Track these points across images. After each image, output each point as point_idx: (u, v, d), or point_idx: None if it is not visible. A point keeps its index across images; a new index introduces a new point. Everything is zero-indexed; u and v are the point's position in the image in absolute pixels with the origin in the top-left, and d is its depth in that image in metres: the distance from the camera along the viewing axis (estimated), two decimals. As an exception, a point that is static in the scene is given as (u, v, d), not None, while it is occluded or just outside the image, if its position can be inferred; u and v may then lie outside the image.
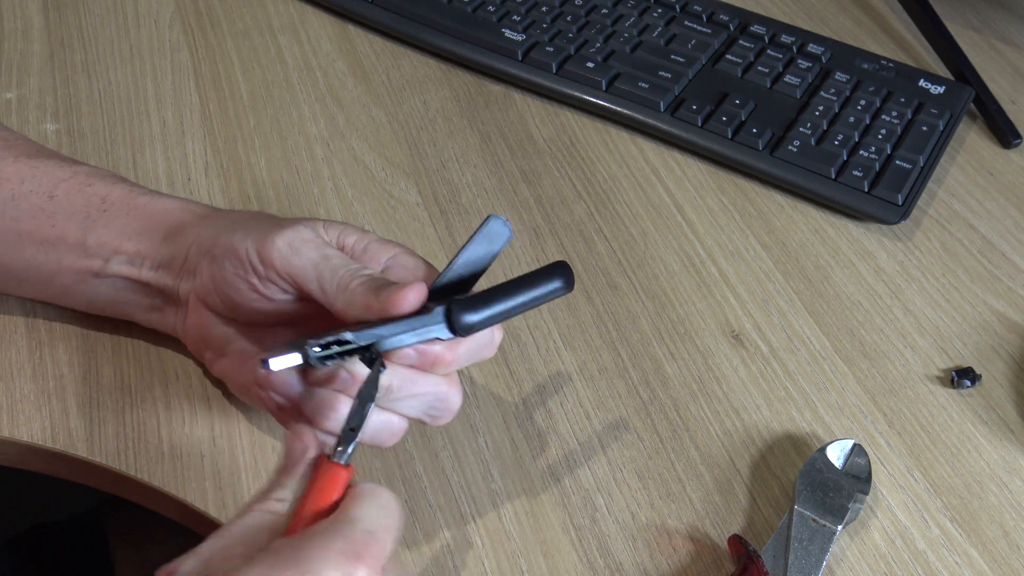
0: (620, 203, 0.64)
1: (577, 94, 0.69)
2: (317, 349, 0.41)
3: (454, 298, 0.42)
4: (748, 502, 0.50)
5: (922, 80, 0.71)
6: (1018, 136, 0.69)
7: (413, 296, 0.41)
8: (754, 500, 0.50)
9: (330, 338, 0.41)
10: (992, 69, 0.75)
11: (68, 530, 0.75)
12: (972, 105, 0.72)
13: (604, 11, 0.74)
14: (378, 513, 0.37)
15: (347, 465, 0.38)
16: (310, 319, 0.46)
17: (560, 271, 0.43)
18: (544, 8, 0.74)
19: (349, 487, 0.38)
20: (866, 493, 0.49)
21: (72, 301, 0.52)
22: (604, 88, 0.69)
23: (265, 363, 0.41)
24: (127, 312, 0.52)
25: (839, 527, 0.47)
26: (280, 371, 0.42)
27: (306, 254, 0.44)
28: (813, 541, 0.47)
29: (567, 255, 0.60)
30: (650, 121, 0.67)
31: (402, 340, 0.42)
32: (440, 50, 0.73)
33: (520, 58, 0.71)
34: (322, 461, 0.39)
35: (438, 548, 0.47)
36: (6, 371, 0.52)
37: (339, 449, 0.39)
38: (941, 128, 0.67)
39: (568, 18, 0.73)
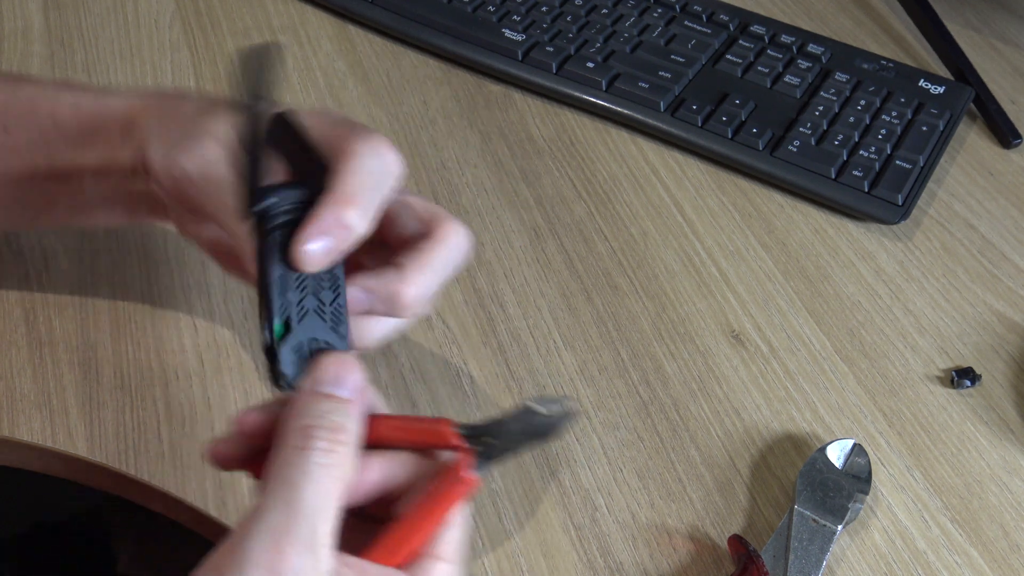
0: (620, 203, 0.64)
1: (577, 94, 0.69)
2: None
3: None
4: (748, 502, 0.50)
5: (922, 80, 0.71)
6: (1018, 136, 0.69)
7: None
8: (754, 500, 0.50)
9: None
10: (992, 69, 0.75)
11: (70, 529, 0.75)
12: (972, 105, 0.72)
13: (604, 11, 0.74)
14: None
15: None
16: None
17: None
18: (544, 8, 0.74)
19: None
20: (866, 493, 0.49)
21: (88, 221, 0.52)
22: (604, 88, 0.69)
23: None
24: (139, 213, 0.49)
25: (839, 527, 0.47)
26: None
27: (215, 181, 0.41)
28: (813, 541, 0.47)
29: (567, 255, 0.60)
30: (650, 121, 0.67)
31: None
32: (440, 50, 0.73)
33: (520, 58, 0.71)
34: (458, 467, 0.35)
35: (438, 548, 0.47)
36: (6, 371, 0.52)
37: (481, 449, 0.35)
38: (941, 128, 0.67)
39: (568, 18, 0.73)
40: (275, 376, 0.37)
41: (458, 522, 0.35)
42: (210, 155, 0.41)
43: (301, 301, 0.38)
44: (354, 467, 0.34)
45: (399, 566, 0.34)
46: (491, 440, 0.35)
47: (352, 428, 0.34)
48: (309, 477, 0.32)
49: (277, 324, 0.37)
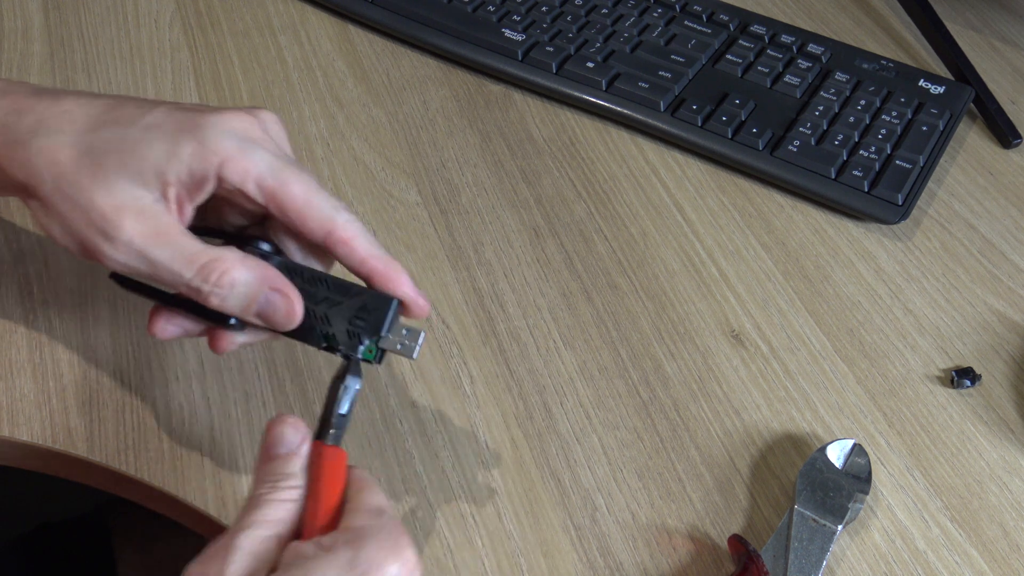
0: (620, 203, 0.64)
1: (577, 94, 0.69)
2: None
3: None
4: (748, 502, 0.50)
5: (922, 80, 0.71)
6: (1018, 136, 0.69)
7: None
8: (754, 500, 0.50)
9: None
10: (992, 69, 0.75)
11: (73, 530, 0.75)
12: (972, 105, 0.72)
13: (604, 11, 0.74)
14: (380, 493, 0.38)
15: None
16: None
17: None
18: (544, 8, 0.74)
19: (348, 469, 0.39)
20: (866, 493, 0.49)
21: None
22: (604, 88, 0.69)
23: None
24: None
25: (839, 527, 0.47)
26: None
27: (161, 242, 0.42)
28: (813, 541, 0.47)
29: (567, 255, 0.60)
30: (650, 121, 0.67)
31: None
32: (440, 50, 0.73)
33: (520, 58, 0.71)
34: (322, 449, 0.39)
35: (438, 548, 0.47)
36: (6, 371, 0.52)
37: (332, 432, 0.39)
38: (941, 128, 0.67)
39: (568, 18, 0.73)
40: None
41: (359, 487, 0.39)
42: (150, 207, 0.42)
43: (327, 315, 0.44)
44: (297, 498, 0.39)
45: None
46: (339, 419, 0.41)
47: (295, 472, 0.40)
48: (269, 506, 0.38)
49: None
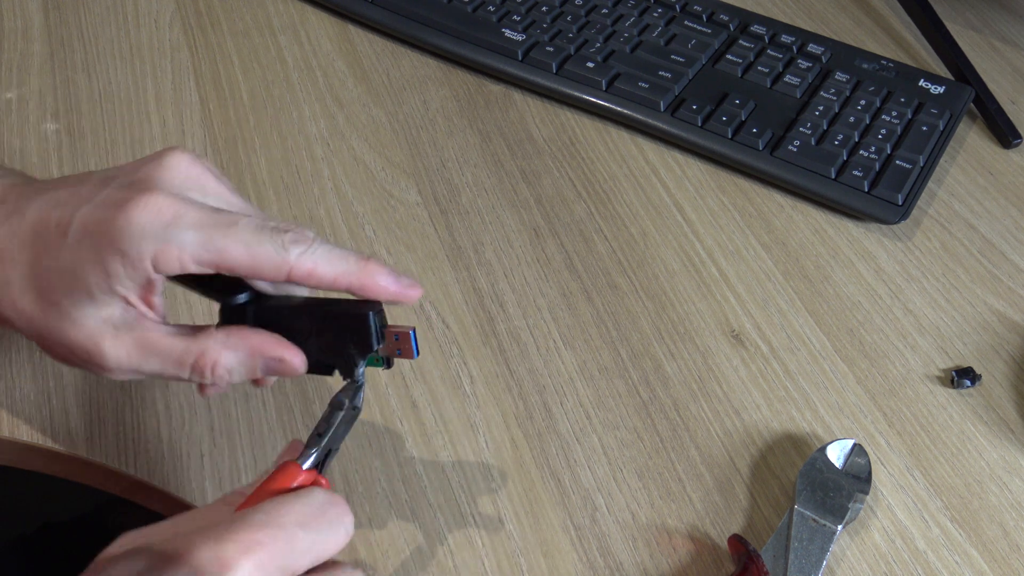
0: (620, 203, 0.64)
1: (577, 94, 0.69)
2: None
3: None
4: (748, 502, 0.50)
5: (922, 80, 0.71)
6: (1018, 136, 0.69)
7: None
8: (754, 500, 0.50)
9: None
10: (992, 69, 0.75)
11: (75, 530, 0.75)
12: (972, 105, 0.72)
13: (604, 11, 0.74)
14: (302, 510, 0.36)
15: (308, 468, 0.39)
16: None
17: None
18: (544, 8, 0.74)
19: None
20: (866, 493, 0.49)
21: None
22: (604, 88, 0.69)
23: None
24: None
25: (839, 527, 0.47)
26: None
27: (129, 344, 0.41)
28: (813, 541, 0.47)
29: (567, 255, 0.60)
30: (650, 121, 0.67)
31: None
32: (440, 50, 0.73)
33: (520, 58, 0.71)
34: (285, 461, 0.39)
35: (438, 548, 0.47)
36: (6, 371, 0.52)
37: (304, 451, 0.39)
38: (941, 128, 0.67)
39: (568, 18, 0.73)
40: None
41: (291, 498, 0.38)
42: (113, 312, 0.41)
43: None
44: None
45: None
46: (329, 447, 0.40)
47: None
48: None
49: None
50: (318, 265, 0.41)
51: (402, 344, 0.42)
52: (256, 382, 0.45)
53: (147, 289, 0.41)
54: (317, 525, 0.36)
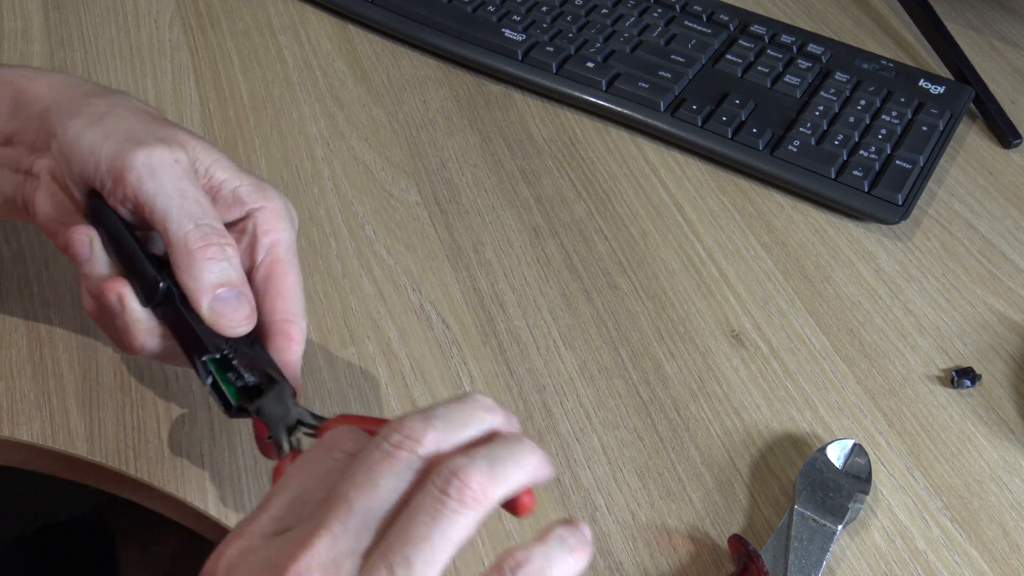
0: (620, 203, 0.64)
1: (577, 94, 0.69)
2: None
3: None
4: (748, 502, 0.50)
5: (922, 80, 0.71)
6: (1018, 136, 0.69)
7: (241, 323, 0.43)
8: (754, 500, 0.50)
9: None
10: (992, 69, 0.75)
11: (75, 530, 0.75)
12: (972, 105, 0.72)
13: (604, 11, 0.74)
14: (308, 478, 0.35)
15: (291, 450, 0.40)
16: None
17: None
18: (544, 8, 0.74)
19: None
20: (866, 493, 0.49)
21: None
22: (604, 88, 0.69)
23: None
24: None
25: (839, 527, 0.47)
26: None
27: (163, 180, 0.42)
28: (813, 541, 0.47)
29: (567, 255, 0.60)
30: (650, 121, 0.67)
31: None
32: (440, 50, 0.73)
33: (520, 58, 0.71)
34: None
35: (438, 548, 0.47)
36: (6, 371, 0.52)
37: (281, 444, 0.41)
38: (941, 128, 0.67)
39: (568, 18, 0.73)
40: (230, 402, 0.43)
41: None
42: (166, 157, 0.43)
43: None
44: None
45: None
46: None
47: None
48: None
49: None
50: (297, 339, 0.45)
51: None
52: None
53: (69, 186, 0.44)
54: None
